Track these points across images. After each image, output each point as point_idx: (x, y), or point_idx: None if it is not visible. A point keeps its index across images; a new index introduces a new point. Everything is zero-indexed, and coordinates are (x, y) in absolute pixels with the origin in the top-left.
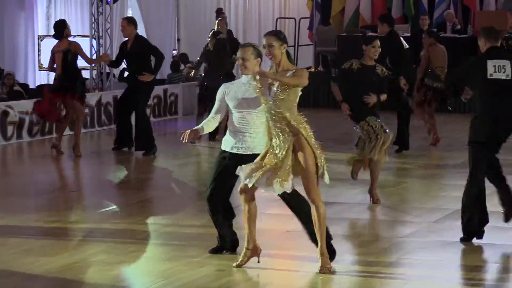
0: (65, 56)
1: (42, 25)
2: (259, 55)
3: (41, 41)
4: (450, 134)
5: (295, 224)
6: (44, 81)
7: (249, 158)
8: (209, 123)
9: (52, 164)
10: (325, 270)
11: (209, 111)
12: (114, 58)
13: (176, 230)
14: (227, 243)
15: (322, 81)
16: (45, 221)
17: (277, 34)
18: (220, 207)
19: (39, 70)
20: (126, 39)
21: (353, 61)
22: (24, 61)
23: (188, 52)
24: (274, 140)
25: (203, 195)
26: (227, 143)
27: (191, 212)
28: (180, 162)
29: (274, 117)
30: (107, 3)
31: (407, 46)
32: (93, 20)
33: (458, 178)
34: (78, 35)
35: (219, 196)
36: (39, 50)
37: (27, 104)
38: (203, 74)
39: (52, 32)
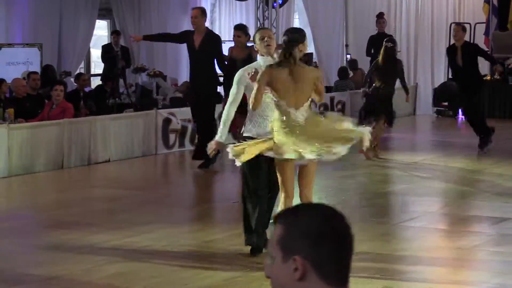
0: None
1: None
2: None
3: None
4: None
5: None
6: None
7: None
8: None
9: (214, 174)
10: None
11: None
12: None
13: None
14: None
15: (498, 90)
16: (203, 233)
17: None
18: None
19: None
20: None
21: None
22: (187, 67)
23: (357, 58)
24: None
25: (363, 203)
26: None
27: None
28: (345, 174)
29: None
30: (273, 7)
31: None
32: (258, 25)
33: None
34: None
35: None
36: None
37: (189, 112)
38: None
39: None
